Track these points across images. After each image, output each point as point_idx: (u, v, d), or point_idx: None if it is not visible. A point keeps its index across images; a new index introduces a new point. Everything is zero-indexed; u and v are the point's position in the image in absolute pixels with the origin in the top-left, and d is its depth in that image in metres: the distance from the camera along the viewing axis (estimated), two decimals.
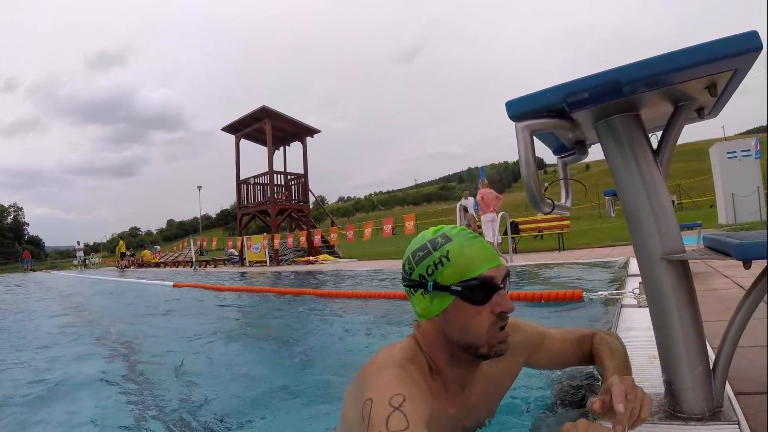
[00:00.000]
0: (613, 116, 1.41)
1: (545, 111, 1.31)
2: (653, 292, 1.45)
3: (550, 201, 1.48)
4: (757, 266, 1.30)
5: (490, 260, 1.29)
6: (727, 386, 1.75)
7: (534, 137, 1.53)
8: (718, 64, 1.18)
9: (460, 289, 1.26)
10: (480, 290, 1.27)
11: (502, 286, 1.29)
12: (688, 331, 1.42)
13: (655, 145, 1.46)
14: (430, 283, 1.28)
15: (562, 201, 1.87)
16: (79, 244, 43.98)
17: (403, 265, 1.37)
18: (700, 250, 1.46)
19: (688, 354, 1.42)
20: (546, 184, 1.54)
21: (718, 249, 1.40)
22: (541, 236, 16.80)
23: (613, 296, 4.03)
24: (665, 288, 1.41)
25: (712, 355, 1.55)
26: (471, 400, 1.42)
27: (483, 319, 1.28)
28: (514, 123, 1.30)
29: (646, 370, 1.85)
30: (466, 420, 1.42)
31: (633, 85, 1.21)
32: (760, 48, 1.13)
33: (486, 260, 1.29)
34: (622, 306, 3.45)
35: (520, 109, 1.31)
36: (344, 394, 1.38)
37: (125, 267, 32.67)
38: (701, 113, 1.61)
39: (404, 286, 1.37)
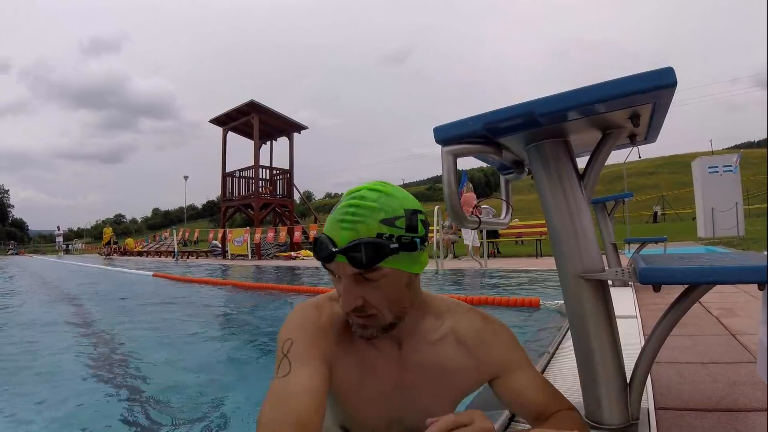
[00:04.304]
0: (542, 141, 1.48)
1: (468, 137, 1.38)
2: (572, 308, 1.52)
3: (475, 218, 1.55)
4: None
5: (328, 226, 1.11)
6: (651, 400, 1.85)
7: (480, 158, 1.62)
8: (633, 99, 1.24)
9: None
10: (316, 252, 1.13)
11: (323, 258, 1.11)
12: (605, 346, 1.49)
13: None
14: None
15: (502, 216, 1.95)
16: (59, 230, 43.42)
17: None
18: (619, 270, 1.53)
19: (605, 367, 1.50)
20: (476, 203, 1.60)
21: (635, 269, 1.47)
22: (522, 241, 16.91)
23: None
24: (583, 304, 1.48)
25: None
26: (408, 364, 1.30)
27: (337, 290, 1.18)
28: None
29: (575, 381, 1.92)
30: (402, 381, 1.30)
31: (548, 116, 1.28)
32: (674, 84, 1.18)
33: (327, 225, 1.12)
34: None
35: (445, 135, 1.38)
36: None
37: (107, 254, 32.49)
38: (634, 139, 1.69)
39: None
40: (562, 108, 1.26)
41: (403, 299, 1.17)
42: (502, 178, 1.95)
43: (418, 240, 1.11)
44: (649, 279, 1.24)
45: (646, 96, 1.24)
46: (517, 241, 17.38)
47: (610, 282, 1.53)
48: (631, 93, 1.21)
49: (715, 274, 1.20)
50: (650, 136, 1.72)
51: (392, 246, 1.06)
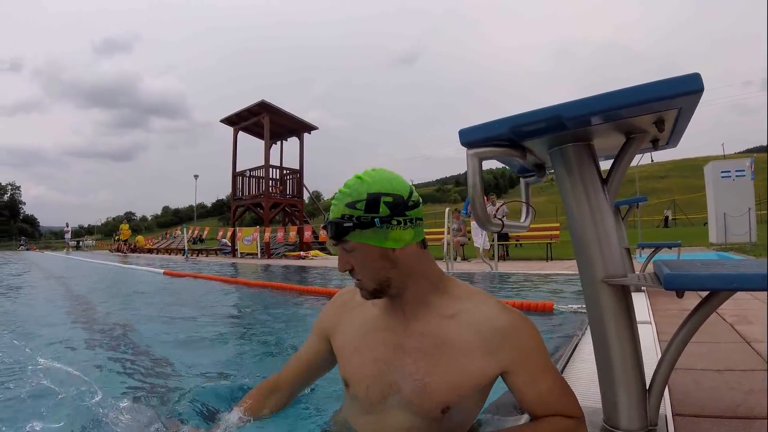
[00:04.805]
0: (566, 145, 1.48)
1: (493, 140, 1.38)
2: (593, 313, 1.52)
3: (499, 221, 1.55)
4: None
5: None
6: (668, 406, 1.84)
7: (501, 160, 1.62)
8: (660, 104, 1.24)
9: None
10: None
11: (323, 226, 1.44)
12: (625, 351, 1.49)
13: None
14: None
15: (522, 219, 1.94)
16: (67, 226, 43.47)
17: None
18: (642, 275, 1.53)
19: (624, 373, 1.49)
20: (498, 205, 1.62)
21: (658, 275, 1.46)
22: (521, 245, 16.73)
23: (583, 310, 4.10)
24: (605, 309, 1.48)
25: None
26: (413, 332, 1.46)
27: None
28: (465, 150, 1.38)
29: (594, 385, 1.91)
30: (402, 347, 1.47)
31: (575, 120, 1.28)
32: (701, 90, 1.18)
33: None
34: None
35: (470, 138, 1.39)
36: None
37: (117, 250, 32.64)
38: (656, 144, 1.68)
39: None
40: (590, 112, 1.25)
41: (381, 269, 1.39)
42: (522, 181, 1.94)
43: (377, 219, 1.34)
44: (674, 285, 1.22)
45: (672, 101, 1.24)
46: (516, 245, 17.23)
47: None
48: (657, 98, 1.21)
49: (740, 281, 1.18)
50: (672, 140, 1.71)
51: (346, 225, 1.34)
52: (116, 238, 36.80)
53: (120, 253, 31.11)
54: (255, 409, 1.71)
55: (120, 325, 4.64)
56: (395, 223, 1.36)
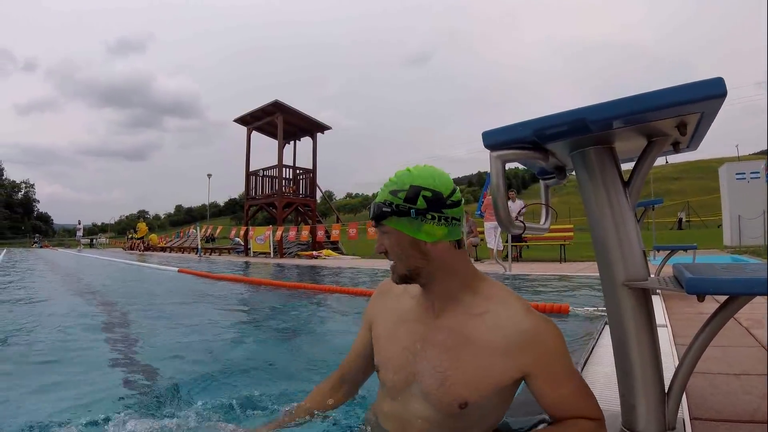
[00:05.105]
0: (588, 148, 1.48)
1: (517, 143, 1.39)
2: (614, 316, 1.52)
3: (521, 223, 1.56)
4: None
5: None
6: (685, 410, 1.84)
7: (522, 162, 1.63)
8: (683, 108, 1.24)
9: None
10: None
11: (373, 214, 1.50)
12: (645, 354, 1.49)
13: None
14: None
15: (542, 222, 1.95)
16: (79, 224, 43.67)
17: None
18: (662, 279, 1.52)
19: (644, 376, 1.49)
20: (521, 209, 1.63)
21: (678, 279, 1.46)
22: (527, 246, 16.60)
23: (599, 312, 4.11)
24: (625, 312, 1.48)
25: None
26: (440, 326, 1.54)
27: None
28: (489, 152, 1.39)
29: (610, 388, 1.91)
30: (427, 339, 1.55)
31: (599, 124, 1.28)
32: (724, 95, 1.18)
33: None
34: (605, 323, 3.51)
35: (493, 140, 1.39)
36: None
37: (130, 249, 32.85)
38: (677, 147, 1.68)
39: None
40: (615, 115, 1.26)
41: (410, 257, 1.49)
42: (542, 183, 1.95)
43: (413, 210, 1.43)
44: (697, 289, 1.22)
45: (695, 105, 1.24)
46: (525, 246, 17.11)
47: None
48: (681, 102, 1.21)
49: (762, 286, 1.18)
50: (693, 143, 1.71)
51: (384, 210, 1.45)
52: (129, 236, 37.01)
53: (137, 252, 31.29)
54: (320, 402, 1.86)
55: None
56: (430, 217, 1.44)
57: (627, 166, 1.60)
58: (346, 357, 1.91)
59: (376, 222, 1.50)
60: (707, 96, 1.19)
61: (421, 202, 1.44)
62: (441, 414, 1.49)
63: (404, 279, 1.53)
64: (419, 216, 1.44)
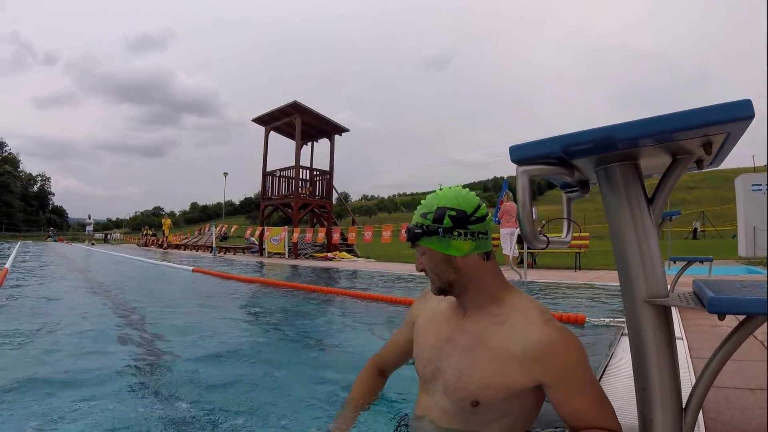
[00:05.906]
0: (613, 164, 1.50)
1: (544, 158, 1.41)
2: (634, 332, 1.53)
3: (545, 238, 1.58)
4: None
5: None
6: (701, 425, 1.85)
7: (546, 177, 1.65)
8: (710, 129, 1.25)
9: None
10: None
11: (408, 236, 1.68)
12: (663, 370, 1.49)
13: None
14: None
15: (563, 235, 1.97)
16: (89, 218, 43.30)
17: None
18: (683, 296, 1.54)
19: (662, 392, 1.50)
20: (544, 222, 1.68)
21: (699, 296, 1.47)
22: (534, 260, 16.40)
23: (615, 324, 4.10)
24: (645, 329, 1.49)
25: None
26: (465, 329, 1.69)
27: None
28: (516, 166, 1.42)
29: (627, 401, 1.92)
30: (452, 339, 1.71)
31: (627, 142, 1.30)
32: (752, 117, 1.20)
33: None
34: (622, 334, 3.52)
35: (521, 155, 1.42)
36: None
37: (144, 245, 33.08)
38: (701, 164, 1.68)
39: None
40: (643, 134, 1.27)
41: (444, 272, 1.64)
42: (564, 196, 1.96)
43: (441, 229, 1.60)
44: (719, 309, 1.23)
45: (721, 127, 1.25)
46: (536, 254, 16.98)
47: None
48: (708, 124, 1.22)
49: None
50: (716, 161, 1.72)
51: (416, 231, 1.64)
52: (144, 232, 37.16)
53: (153, 248, 31.49)
54: (370, 394, 2.06)
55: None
56: (456, 234, 1.61)
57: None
58: (385, 349, 2.13)
59: (412, 243, 1.68)
60: (735, 118, 1.20)
61: (447, 221, 1.60)
62: (456, 408, 1.64)
63: (441, 291, 1.69)
64: (447, 234, 1.60)
